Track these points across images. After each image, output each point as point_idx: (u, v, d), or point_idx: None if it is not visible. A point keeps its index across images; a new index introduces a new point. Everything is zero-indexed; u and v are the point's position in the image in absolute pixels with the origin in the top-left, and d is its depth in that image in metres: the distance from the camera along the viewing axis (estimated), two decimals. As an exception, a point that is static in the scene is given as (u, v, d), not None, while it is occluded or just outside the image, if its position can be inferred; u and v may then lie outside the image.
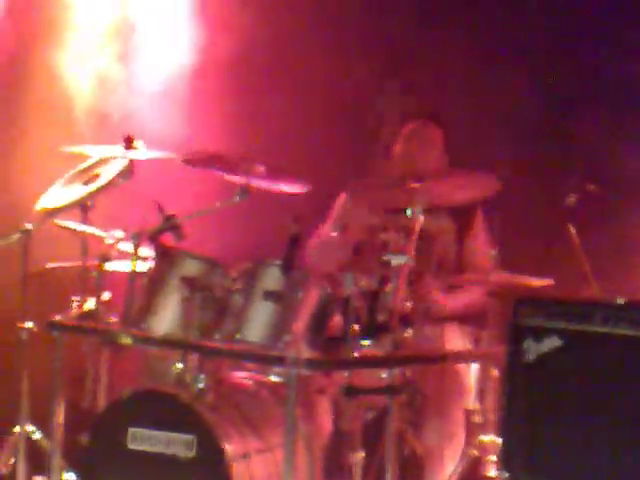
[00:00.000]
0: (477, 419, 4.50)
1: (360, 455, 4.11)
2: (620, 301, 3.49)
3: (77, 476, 4.23)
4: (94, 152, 4.77)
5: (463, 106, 5.20)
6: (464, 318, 4.73)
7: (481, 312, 4.58)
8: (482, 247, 4.74)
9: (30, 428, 4.64)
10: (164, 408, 4.05)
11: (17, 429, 4.63)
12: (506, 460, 3.56)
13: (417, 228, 4.16)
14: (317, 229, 4.82)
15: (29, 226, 4.61)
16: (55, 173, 4.97)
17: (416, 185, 4.26)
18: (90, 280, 4.53)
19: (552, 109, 5.10)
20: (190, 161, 4.37)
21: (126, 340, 4.06)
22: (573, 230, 4.44)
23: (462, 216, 4.77)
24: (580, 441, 3.44)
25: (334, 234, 4.33)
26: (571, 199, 4.51)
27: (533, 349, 3.55)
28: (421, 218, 4.19)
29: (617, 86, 4.99)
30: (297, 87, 5.48)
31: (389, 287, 3.99)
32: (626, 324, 3.42)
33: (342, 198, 4.92)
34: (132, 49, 5.77)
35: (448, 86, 5.28)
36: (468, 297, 4.72)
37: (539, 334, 3.54)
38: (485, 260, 4.62)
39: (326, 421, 4.47)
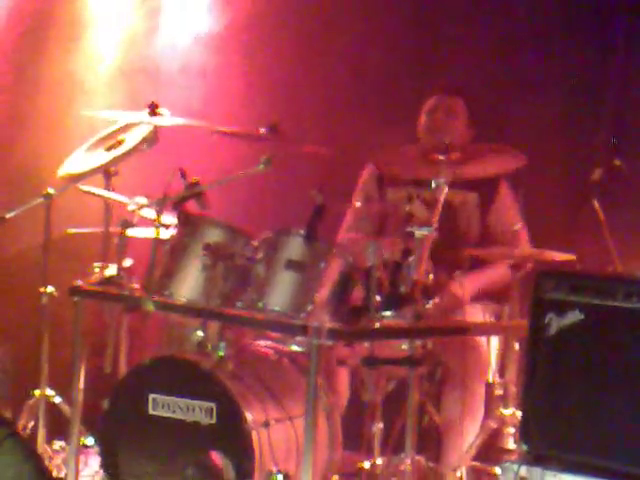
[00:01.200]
0: (498, 392, 4.52)
1: (380, 426, 4.13)
2: (644, 277, 3.49)
3: (96, 441, 4.26)
4: (118, 118, 4.79)
5: (489, 80, 5.18)
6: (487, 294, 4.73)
7: (504, 286, 4.59)
8: (507, 220, 4.74)
9: (50, 392, 4.68)
10: (185, 375, 4.08)
11: (37, 393, 4.68)
12: (525, 433, 3.56)
13: (441, 200, 4.16)
14: (343, 203, 4.81)
15: (52, 191, 4.63)
16: (79, 139, 5.00)
17: (441, 157, 4.26)
18: (112, 246, 4.55)
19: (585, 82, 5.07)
20: (217, 130, 4.37)
21: (149, 306, 4.07)
22: (597, 205, 4.43)
23: (486, 188, 4.76)
24: (600, 416, 3.45)
25: (358, 204, 4.33)
26: (596, 174, 4.49)
27: (555, 323, 3.54)
28: (445, 190, 4.19)
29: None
30: (322, 56, 5.47)
31: (412, 259, 4.00)
32: (649, 300, 3.42)
33: (367, 170, 4.92)
34: (155, 20, 5.77)
35: (472, 59, 5.26)
36: (491, 274, 4.72)
37: (561, 308, 3.53)
38: (509, 234, 4.63)
39: (346, 391, 4.50)
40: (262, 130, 4.27)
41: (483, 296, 4.68)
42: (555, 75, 5.05)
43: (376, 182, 4.85)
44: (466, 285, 4.51)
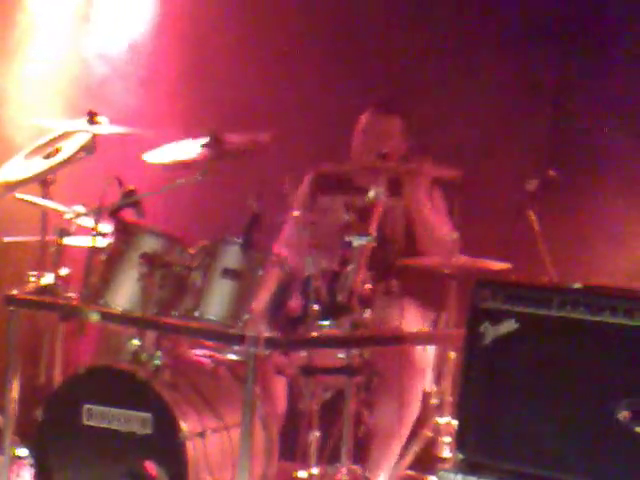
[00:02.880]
0: (433, 401, 4.52)
1: (316, 435, 4.10)
2: (577, 286, 3.50)
3: (30, 452, 4.19)
4: (56, 125, 4.72)
5: (429, 89, 5.18)
6: (422, 296, 4.71)
7: (440, 293, 4.58)
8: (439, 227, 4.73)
9: (-17, 403, 4.61)
10: (120, 385, 4.03)
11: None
12: (461, 442, 3.56)
13: (379, 209, 4.14)
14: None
15: (-13, 199, 4.56)
16: (16, 146, 4.92)
17: (378, 164, 4.25)
18: (48, 255, 4.49)
19: (521, 94, 5.09)
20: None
21: (91, 316, 4.02)
22: (533, 215, 4.45)
23: None
24: (535, 424, 3.45)
25: (296, 214, 4.30)
26: (531, 184, 4.51)
27: (490, 332, 3.55)
28: (383, 199, 4.18)
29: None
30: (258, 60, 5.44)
31: (350, 268, 3.98)
32: (582, 309, 3.43)
33: (307, 180, 4.91)
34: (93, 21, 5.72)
35: (414, 69, 5.25)
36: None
37: (496, 317, 3.54)
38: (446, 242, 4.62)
39: (283, 400, 4.47)
40: (202, 143, 4.23)
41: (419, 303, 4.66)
42: (491, 85, 5.06)
43: (310, 190, 4.83)
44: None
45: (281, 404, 4.48)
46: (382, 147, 4.62)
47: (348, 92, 5.25)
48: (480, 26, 5.15)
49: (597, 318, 3.40)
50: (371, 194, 4.21)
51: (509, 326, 3.52)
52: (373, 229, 4.11)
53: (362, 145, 4.80)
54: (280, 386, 4.48)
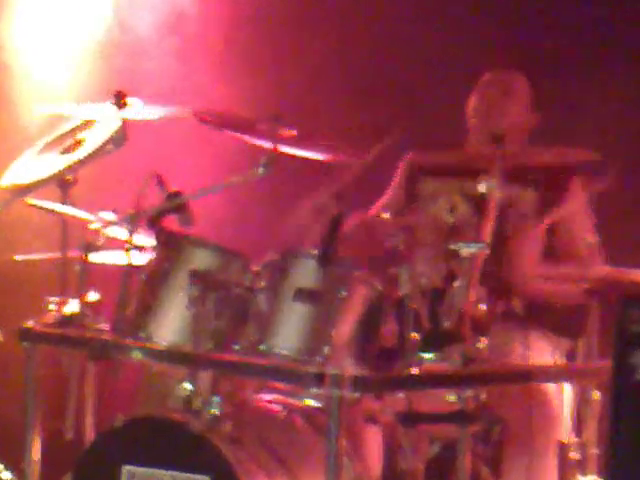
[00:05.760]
0: (573, 455, 4.51)
1: (422, 501, 4.13)
2: None
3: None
4: (76, 112, 4.80)
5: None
6: (553, 320, 4.71)
7: (577, 316, 4.58)
8: (578, 230, 4.72)
9: (-3, 467, 4.71)
10: (169, 440, 4.06)
11: (-22, 468, 4.70)
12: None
13: (494, 207, 4.16)
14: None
15: (-8, 207, 4.65)
16: (26, 139, 5.01)
17: (493, 150, 4.27)
18: (72, 276, 4.56)
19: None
20: (205, 119, 4.37)
21: (134, 354, 4.07)
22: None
23: (551, 184, 4.74)
24: None
25: (386, 216, 4.33)
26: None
27: (646, 364, 3.55)
28: (499, 193, 4.19)
29: None
30: (333, 38, 5.51)
31: (458, 284, 4.00)
32: None
33: (403, 168, 4.93)
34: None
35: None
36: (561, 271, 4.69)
37: (654, 344, 3.54)
38: (582, 248, 4.62)
39: (378, 457, 4.49)
40: (264, 122, 4.27)
41: (550, 329, 4.67)
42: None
43: (407, 176, 4.87)
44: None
45: (375, 462, 4.50)
46: (503, 110, 4.67)
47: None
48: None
49: None
50: (482, 187, 4.23)
51: (670, 355, 3.52)
52: (487, 233, 4.12)
53: (477, 109, 4.83)
54: (374, 439, 4.51)
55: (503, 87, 4.85)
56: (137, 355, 4.12)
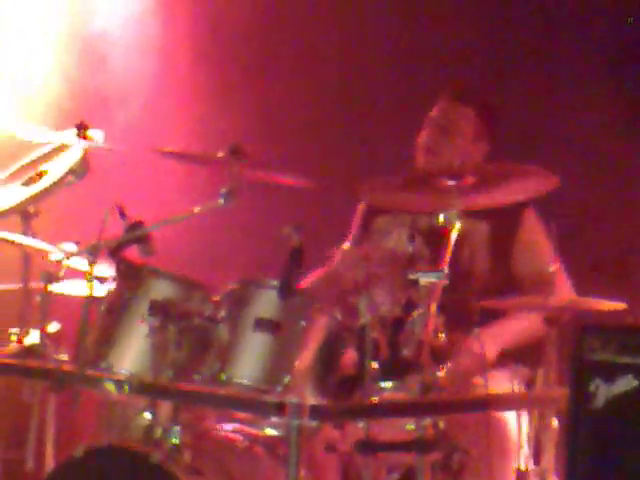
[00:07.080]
0: (532, 483, 4.53)
1: (381, 530, 4.13)
2: None
3: None
4: (39, 138, 4.78)
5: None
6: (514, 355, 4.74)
7: (535, 345, 4.60)
8: (536, 260, 4.75)
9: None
10: (129, 470, 4.05)
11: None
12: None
13: (453, 237, 4.18)
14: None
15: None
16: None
17: (450, 183, 4.29)
18: (33, 307, 4.55)
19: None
20: (165, 151, 4.39)
21: (109, 386, 4.06)
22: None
23: (503, 217, 4.77)
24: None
25: (347, 247, 4.35)
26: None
27: (602, 391, 3.56)
28: (457, 225, 4.21)
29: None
30: (301, 72, 5.54)
31: (417, 313, 4.01)
32: None
33: (360, 208, 4.98)
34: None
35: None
36: (518, 328, 4.73)
37: (610, 372, 3.55)
38: (540, 277, 4.64)
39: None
40: (221, 154, 4.28)
41: (509, 358, 4.69)
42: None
43: (363, 215, 4.91)
44: (488, 343, 4.51)
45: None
46: (445, 148, 4.70)
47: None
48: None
49: None
50: (441, 218, 4.25)
51: (626, 384, 3.54)
52: (445, 262, 4.14)
53: (424, 143, 4.88)
54: (333, 467, 4.51)
55: (444, 124, 4.90)
56: (97, 385, 4.11)
